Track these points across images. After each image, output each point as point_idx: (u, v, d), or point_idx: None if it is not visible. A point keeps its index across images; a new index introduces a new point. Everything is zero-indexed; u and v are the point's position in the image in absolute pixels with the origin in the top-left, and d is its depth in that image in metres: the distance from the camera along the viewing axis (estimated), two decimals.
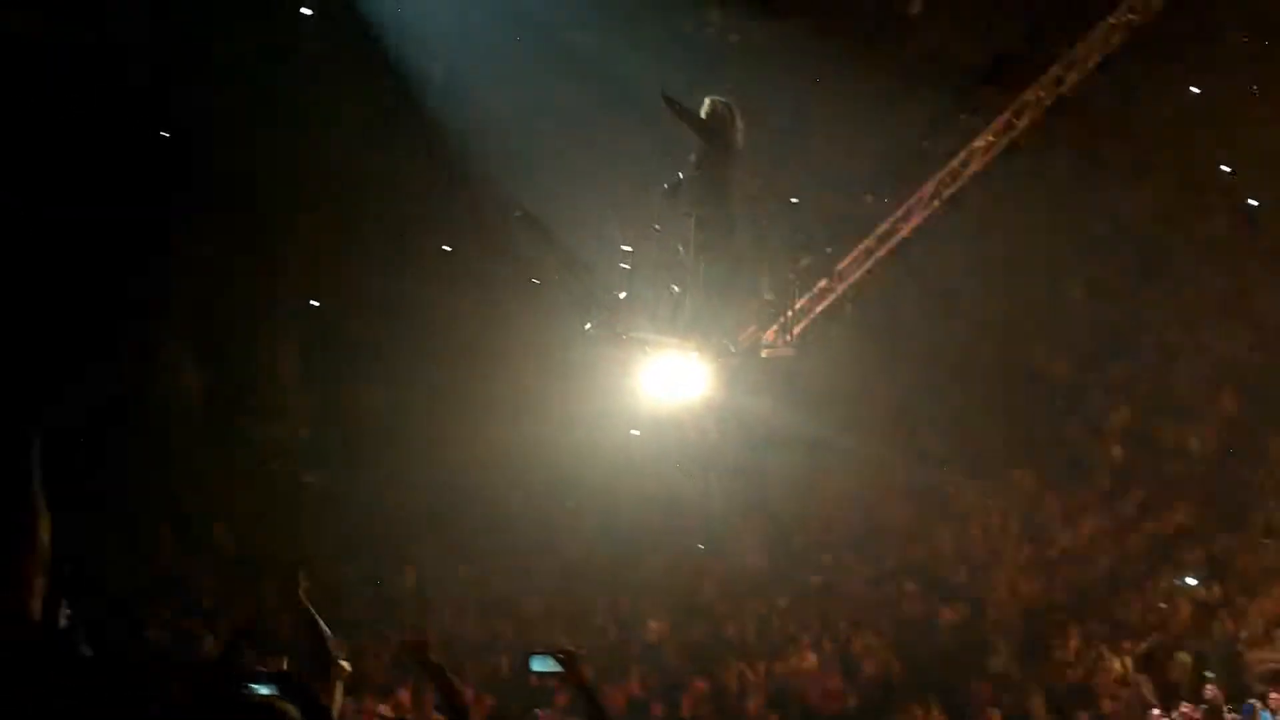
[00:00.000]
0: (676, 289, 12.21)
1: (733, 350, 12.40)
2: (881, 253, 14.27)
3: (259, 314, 24.30)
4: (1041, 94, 14.86)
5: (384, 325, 27.08)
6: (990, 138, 14.71)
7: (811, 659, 16.60)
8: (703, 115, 11.72)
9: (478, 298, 25.80)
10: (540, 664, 5.92)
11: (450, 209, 24.14)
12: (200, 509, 21.24)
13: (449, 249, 28.55)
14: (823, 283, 13.73)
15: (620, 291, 12.76)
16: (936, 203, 14.44)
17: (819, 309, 13.71)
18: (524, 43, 20.39)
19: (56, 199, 20.00)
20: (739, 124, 11.81)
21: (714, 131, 11.69)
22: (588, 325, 13.11)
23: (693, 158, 11.83)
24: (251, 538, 20.53)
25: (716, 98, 11.86)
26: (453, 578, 19.24)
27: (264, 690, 4.56)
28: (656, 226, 12.32)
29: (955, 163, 14.53)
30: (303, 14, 23.30)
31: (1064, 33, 15.46)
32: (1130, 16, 15.10)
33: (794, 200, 12.03)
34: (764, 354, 12.71)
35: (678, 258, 12.13)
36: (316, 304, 27.31)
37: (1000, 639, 17.01)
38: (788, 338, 12.88)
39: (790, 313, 12.80)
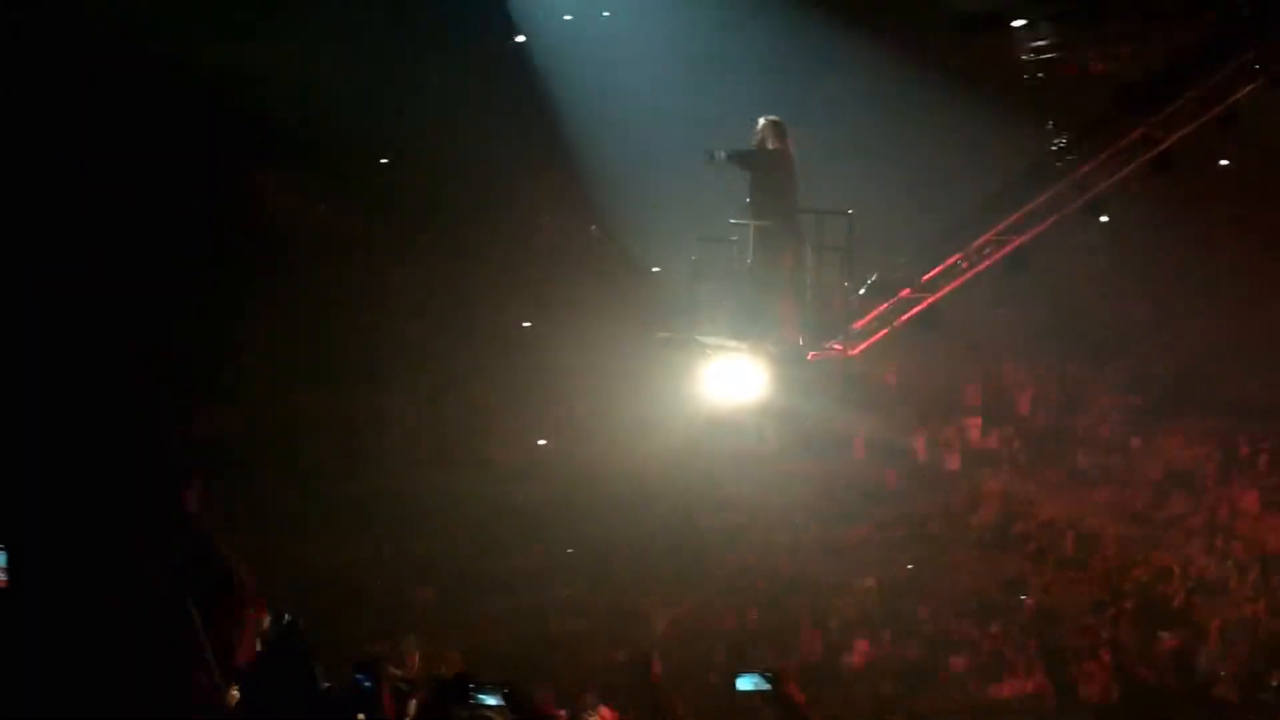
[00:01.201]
0: (743, 297, 13.31)
1: (774, 352, 13.15)
2: (983, 266, 14.24)
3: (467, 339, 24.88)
4: (1197, 108, 14.26)
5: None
6: (1126, 154, 14.26)
7: (1025, 685, 16.34)
8: (755, 134, 12.94)
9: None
10: (747, 683, 5.98)
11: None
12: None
13: (657, 269, 28.84)
14: (905, 292, 13.90)
15: (690, 298, 13.78)
16: (1055, 217, 14.23)
17: (904, 319, 13.96)
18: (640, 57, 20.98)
19: None
20: (788, 139, 12.91)
21: (757, 156, 12.87)
22: (661, 333, 14.39)
23: (756, 175, 12.98)
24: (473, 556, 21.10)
25: (768, 117, 12.98)
26: (659, 594, 19.44)
27: (491, 700, 4.79)
28: (733, 239, 13.22)
29: (1080, 175, 14.20)
30: (517, 40, 23.81)
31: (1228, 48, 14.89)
32: None
33: (849, 211, 12.71)
34: (809, 356, 13.33)
35: (741, 267, 13.19)
36: (528, 324, 27.85)
37: (1222, 666, 16.52)
38: (855, 347, 13.59)
39: (861, 322, 13.58)
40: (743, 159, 12.96)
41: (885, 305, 13.86)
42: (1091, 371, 26.71)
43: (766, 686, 5.82)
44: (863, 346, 13.87)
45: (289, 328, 27.85)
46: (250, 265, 24.22)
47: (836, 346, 13.43)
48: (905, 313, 13.97)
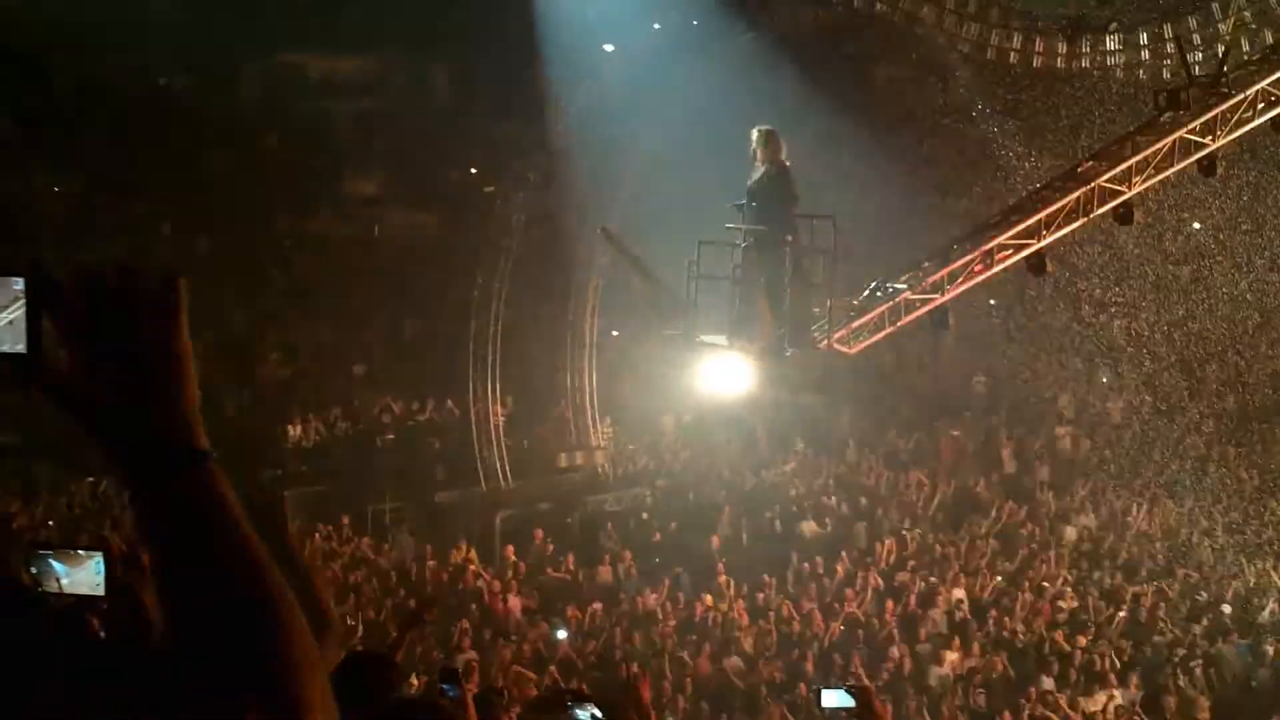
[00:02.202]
0: (736, 298, 13.93)
1: (751, 349, 13.80)
2: (998, 268, 14.37)
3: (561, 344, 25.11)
4: (1245, 114, 14.01)
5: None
6: (1160, 160, 14.09)
7: (1117, 698, 16.18)
8: (751, 143, 13.54)
9: None
10: (833, 699, 6.04)
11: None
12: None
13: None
14: (906, 293, 14.15)
15: (691, 299, 14.38)
16: (1078, 219, 14.25)
17: (910, 319, 14.26)
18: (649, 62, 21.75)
19: None
20: (781, 147, 13.43)
21: (760, 191, 13.39)
22: (666, 330, 15.13)
23: (753, 182, 13.55)
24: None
25: (759, 128, 13.55)
26: (751, 604, 19.43)
27: (583, 715, 4.91)
28: (738, 242, 13.78)
29: (1107, 179, 14.11)
30: (605, 49, 23.97)
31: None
32: None
33: (829, 215, 13.51)
34: (787, 352, 13.85)
35: (736, 270, 13.85)
36: (616, 333, 28.02)
37: None
38: (848, 345, 14.15)
39: (862, 321, 14.18)
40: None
41: (887, 305, 14.20)
42: (1184, 378, 26.41)
43: (851, 702, 5.87)
44: (861, 346, 14.30)
45: (394, 345, 28.41)
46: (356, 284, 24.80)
47: (820, 344, 13.90)
48: (910, 313, 14.35)
